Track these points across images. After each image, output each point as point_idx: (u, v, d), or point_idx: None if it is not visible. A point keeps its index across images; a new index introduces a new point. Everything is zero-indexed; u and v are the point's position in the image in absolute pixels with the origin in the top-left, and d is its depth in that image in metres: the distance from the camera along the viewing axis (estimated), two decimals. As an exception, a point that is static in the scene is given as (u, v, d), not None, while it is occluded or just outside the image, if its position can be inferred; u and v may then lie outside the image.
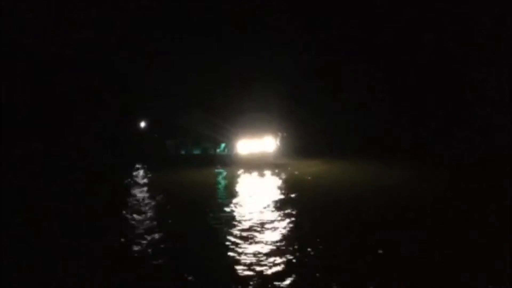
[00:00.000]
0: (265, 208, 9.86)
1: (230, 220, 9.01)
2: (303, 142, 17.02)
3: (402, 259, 6.68)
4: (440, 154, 15.58)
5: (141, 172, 16.33)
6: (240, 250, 7.18)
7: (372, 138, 17.66)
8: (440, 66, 18.43)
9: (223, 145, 17.35)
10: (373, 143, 17.15)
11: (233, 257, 6.94)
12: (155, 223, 9.20)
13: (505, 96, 16.30)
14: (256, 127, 16.54)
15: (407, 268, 6.33)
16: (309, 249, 7.12)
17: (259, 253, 7.03)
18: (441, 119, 17.81)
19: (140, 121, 20.62)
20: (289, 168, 15.33)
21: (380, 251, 6.92)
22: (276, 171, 14.95)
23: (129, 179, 14.69)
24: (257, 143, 16.37)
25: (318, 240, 7.55)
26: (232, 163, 16.21)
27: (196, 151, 18.28)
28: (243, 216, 9.26)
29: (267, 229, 8.27)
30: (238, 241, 7.63)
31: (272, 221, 8.76)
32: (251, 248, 7.25)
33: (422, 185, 11.99)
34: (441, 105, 18.19)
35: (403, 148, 16.64)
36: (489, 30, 17.40)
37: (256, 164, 15.84)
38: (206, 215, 9.57)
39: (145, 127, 20.69)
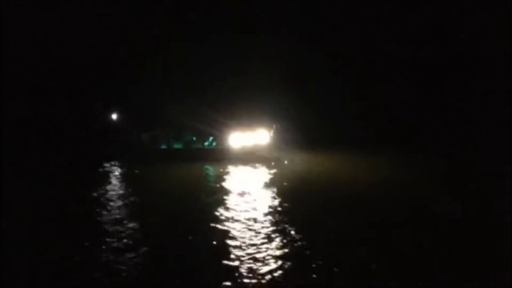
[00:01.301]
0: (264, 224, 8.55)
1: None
2: (297, 134, 16.13)
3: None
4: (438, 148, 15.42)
5: (111, 174, 14.03)
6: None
7: (369, 129, 17.15)
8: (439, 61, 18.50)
9: (211, 138, 15.98)
10: (370, 135, 16.64)
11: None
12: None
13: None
14: (249, 119, 15.46)
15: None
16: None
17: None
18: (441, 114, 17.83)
19: (112, 113, 18.54)
20: (285, 162, 14.50)
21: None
22: (272, 168, 13.92)
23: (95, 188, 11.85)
24: (250, 136, 15.29)
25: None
26: (223, 157, 14.99)
27: (179, 145, 16.67)
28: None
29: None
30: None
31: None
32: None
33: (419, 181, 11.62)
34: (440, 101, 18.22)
35: (398, 141, 16.29)
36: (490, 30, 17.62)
37: (249, 158, 14.81)
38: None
39: (118, 119, 18.57)
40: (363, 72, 18.75)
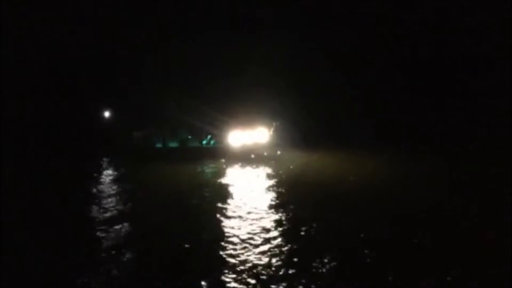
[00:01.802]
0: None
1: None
2: (298, 133, 15.81)
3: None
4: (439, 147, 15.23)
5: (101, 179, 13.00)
6: None
7: (371, 129, 16.88)
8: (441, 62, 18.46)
9: (208, 136, 15.52)
10: (372, 134, 16.38)
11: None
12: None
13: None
14: (248, 117, 15.04)
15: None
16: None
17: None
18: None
19: (104, 110, 17.87)
20: (290, 167, 13.71)
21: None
22: (274, 167, 13.43)
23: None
24: (250, 134, 14.87)
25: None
26: (222, 156, 14.55)
27: (174, 144, 16.15)
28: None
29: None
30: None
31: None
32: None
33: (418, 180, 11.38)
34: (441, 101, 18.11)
35: (401, 140, 16.05)
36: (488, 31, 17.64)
37: (249, 157, 14.41)
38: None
39: (114, 119, 17.86)
40: (364, 71, 18.56)
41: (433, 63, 19.04)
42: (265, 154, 14.67)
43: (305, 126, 16.17)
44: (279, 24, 18.64)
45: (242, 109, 15.25)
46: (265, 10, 18.87)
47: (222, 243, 7.42)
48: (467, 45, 18.40)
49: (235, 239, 7.59)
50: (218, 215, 8.90)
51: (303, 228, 8.02)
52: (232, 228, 8.17)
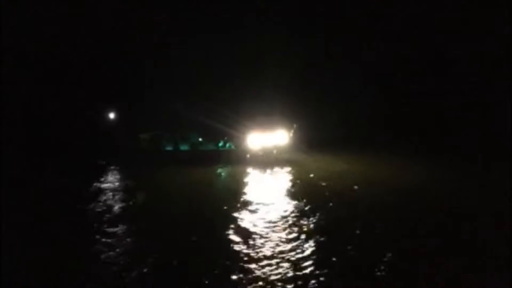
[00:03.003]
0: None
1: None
2: (318, 134, 15.17)
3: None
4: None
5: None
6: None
7: (388, 130, 16.34)
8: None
9: (225, 138, 14.74)
10: (397, 137, 15.81)
11: None
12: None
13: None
14: (267, 119, 14.33)
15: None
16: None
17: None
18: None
19: (108, 111, 16.79)
20: (311, 175, 12.53)
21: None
22: (298, 173, 12.62)
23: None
24: (270, 137, 14.16)
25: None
26: (242, 160, 13.79)
27: (185, 147, 15.29)
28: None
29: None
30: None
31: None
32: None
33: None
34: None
35: (427, 144, 15.54)
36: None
37: (269, 161, 13.69)
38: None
39: (115, 118, 16.81)
40: (387, 74, 18.14)
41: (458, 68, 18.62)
42: (286, 157, 13.99)
43: (327, 127, 15.55)
44: (297, 26, 18.03)
45: (260, 110, 14.53)
46: (285, 11, 18.20)
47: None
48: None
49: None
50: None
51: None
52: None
